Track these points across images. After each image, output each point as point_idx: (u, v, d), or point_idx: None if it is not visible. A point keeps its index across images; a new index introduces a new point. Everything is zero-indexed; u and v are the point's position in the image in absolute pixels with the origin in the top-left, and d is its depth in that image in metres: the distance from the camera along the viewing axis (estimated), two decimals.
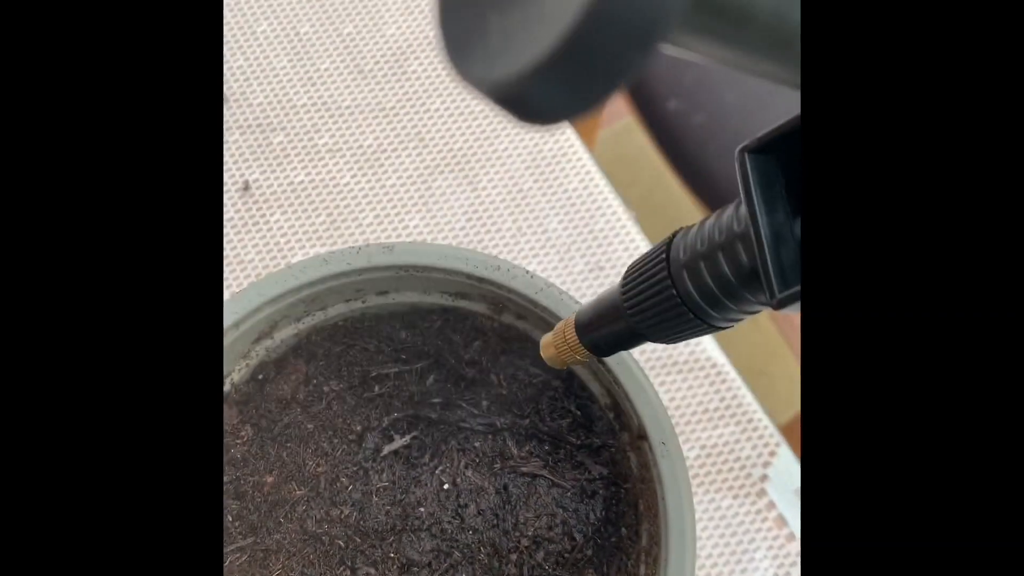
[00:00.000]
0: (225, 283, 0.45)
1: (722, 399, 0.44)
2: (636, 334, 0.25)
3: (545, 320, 0.34)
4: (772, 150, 0.20)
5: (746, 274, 0.21)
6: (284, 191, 0.47)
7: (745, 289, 0.21)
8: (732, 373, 0.44)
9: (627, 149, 1.09)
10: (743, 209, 0.21)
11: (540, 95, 0.14)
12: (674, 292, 0.22)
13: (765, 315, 1.17)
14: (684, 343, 0.45)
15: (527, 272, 0.33)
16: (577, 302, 0.33)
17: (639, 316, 0.24)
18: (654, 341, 0.25)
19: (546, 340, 0.29)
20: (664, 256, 0.23)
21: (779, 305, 0.20)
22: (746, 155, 0.20)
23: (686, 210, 1.04)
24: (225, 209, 0.47)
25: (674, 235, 0.23)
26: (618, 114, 1.08)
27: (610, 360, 0.32)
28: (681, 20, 0.13)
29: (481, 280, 0.33)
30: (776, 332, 1.11)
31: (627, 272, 0.25)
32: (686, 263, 0.22)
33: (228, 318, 0.32)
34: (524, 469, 0.34)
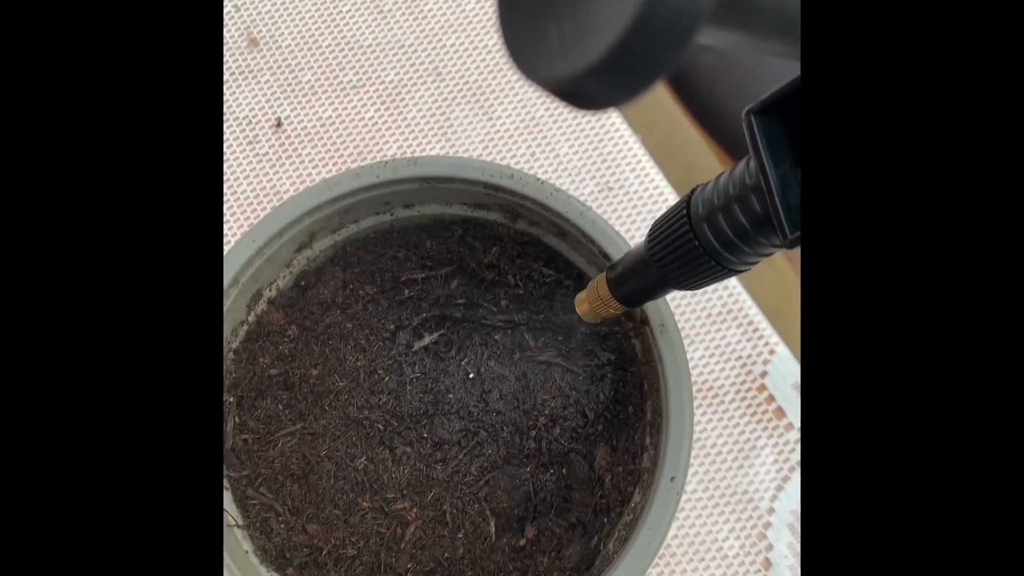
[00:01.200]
0: (263, 212, 0.49)
1: (724, 304, 0.47)
2: (664, 283, 0.28)
3: (556, 224, 0.37)
4: (774, 111, 0.23)
5: (760, 221, 0.24)
6: (314, 126, 0.51)
7: (760, 235, 0.24)
8: (733, 280, 0.48)
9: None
10: (752, 164, 0.23)
11: (594, 90, 0.16)
12: (697, 243, 0.25)
13: (781, 257, 1.20)
14: None
15: (538, 179, 0.36)
16: (584, 205, 0.36)
17: (666, 268, 0.27)
18: (680, 288, 0.28)
19: (580, 297, 0.32)
20: (685, 212, 0.26)
21: (791, 245, 0.23)
22: (752, 116, 0.22)
23: (701, 154, 1.06)
24: (260, 144, 0.50)
25: (692, 192, 0.26)
26: None
27: (615, 256, 0.35)
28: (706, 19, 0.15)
29: (497, 189, 0.37)
30: (792, 273, 1.14)
31: (652, 229, 0.28)
32: (706, 216, 0.25)
33: (271, 227, 0.36)
34: (540, 358, 0.38)
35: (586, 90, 0.17)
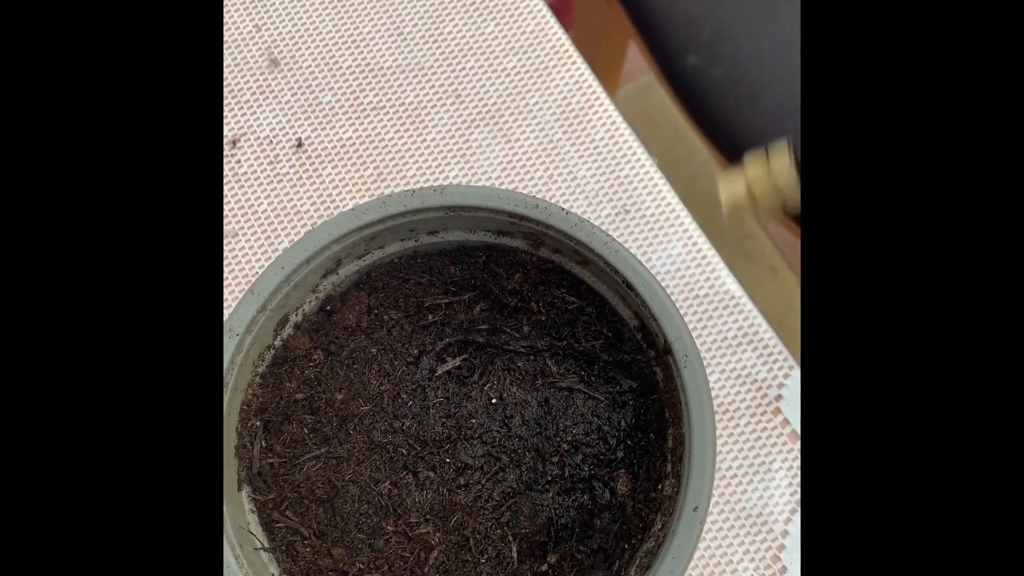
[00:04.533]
0: (284, 233, 0.50)
1: (739, 327, 0.48)
2: None
3: (579, 253, 0.38)
4: None
5: None
6: (334, 147, 0.51)
7: None
8: (749, 304, 0.48)
9: (648, 105, 1.12)
10: None
11: None
12: None
13: (784, 267, 1.20)
14: (706, 279, 0.49)
15: (562, 209, 0.37)
16: (608, 235, 0.37)
17: None
18: None
19: (730, 178, 0.26)
20: None
21: None
22: None
23: (705, 163, 1.07)
24: (280, 165, 0.51)
25: None
26: (639, 71, 1.10)
27: (639, 286, 0.36)
28: None
29: (522, 218, 0.38)
30: (795, 284, 1.14)
31: None
32: None
33: (300, 255, 0.37)
34: (562, 384, 0.39)
35: None
